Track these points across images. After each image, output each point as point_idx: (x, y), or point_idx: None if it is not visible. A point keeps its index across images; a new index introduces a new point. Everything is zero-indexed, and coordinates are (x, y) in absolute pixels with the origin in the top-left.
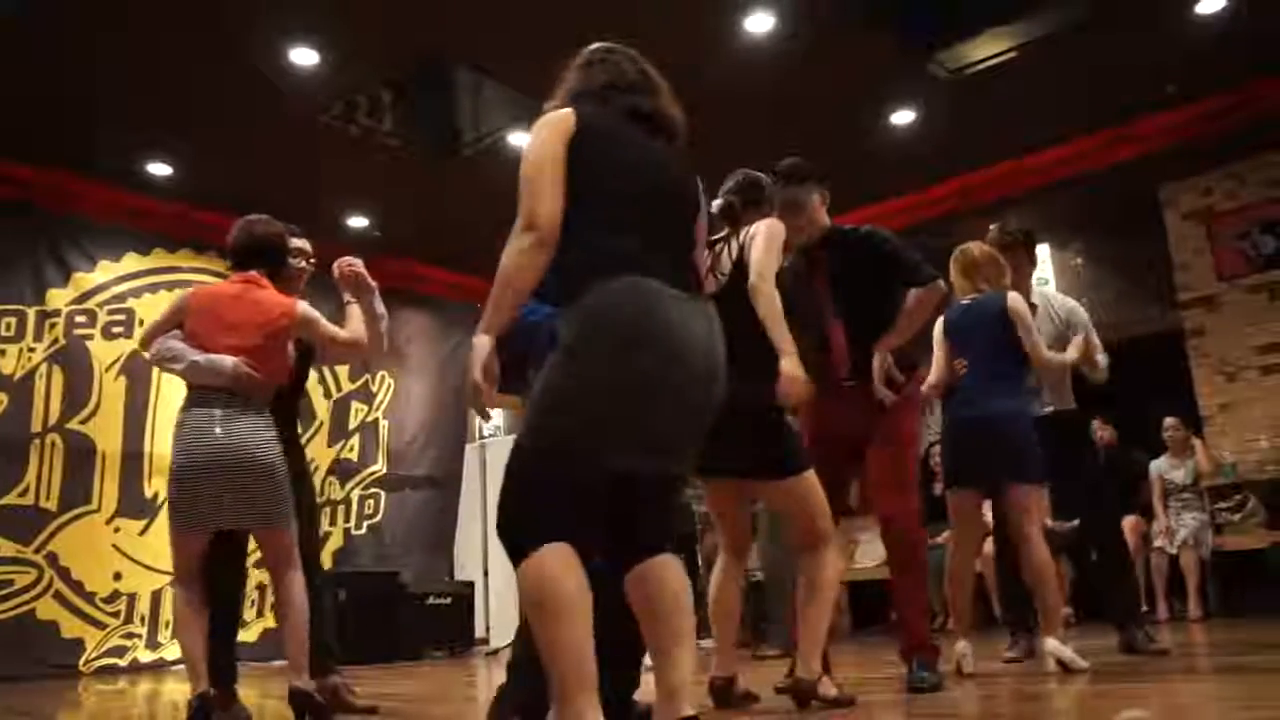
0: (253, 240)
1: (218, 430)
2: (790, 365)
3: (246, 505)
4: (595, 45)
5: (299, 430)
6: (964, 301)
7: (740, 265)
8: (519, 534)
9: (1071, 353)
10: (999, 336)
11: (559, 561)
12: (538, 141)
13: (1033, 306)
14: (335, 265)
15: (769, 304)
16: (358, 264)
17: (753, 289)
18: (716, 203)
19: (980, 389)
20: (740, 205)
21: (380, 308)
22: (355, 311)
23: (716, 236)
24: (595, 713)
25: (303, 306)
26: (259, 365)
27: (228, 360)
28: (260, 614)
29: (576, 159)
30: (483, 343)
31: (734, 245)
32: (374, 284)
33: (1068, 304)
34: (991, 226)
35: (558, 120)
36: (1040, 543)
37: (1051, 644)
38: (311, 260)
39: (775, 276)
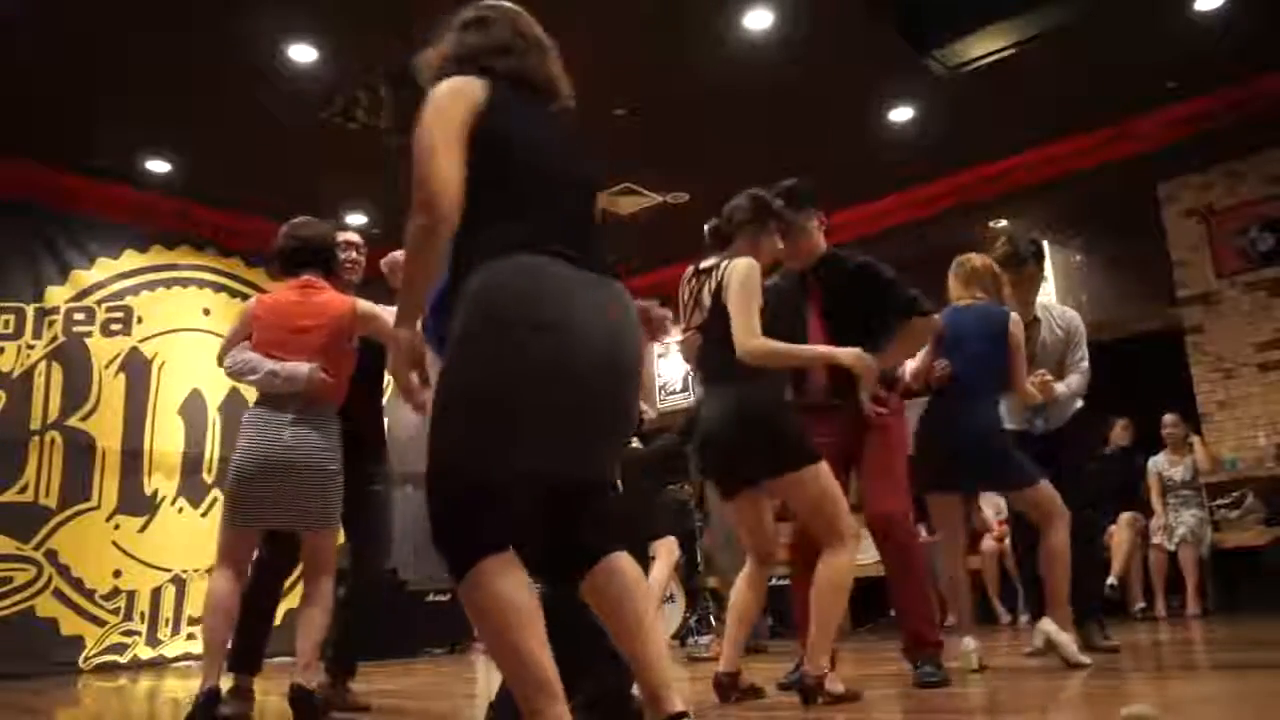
0: (302, 244)
1: (287, 434)
2: (844, 357)
3: (303, 508)
4: (472, 4)
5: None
6: (959, 304)
7: (717, 301)
8: (456, 548)
9: (1061, 387)
10: (992, 348)
11: (502, 571)
12: (441, 110)
13: (1036, 320)
14: (383, 263)
15: (772, 358)
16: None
17: (745, 356)
18: (708, 225)
19: (960, 400)
20: (728, 228)
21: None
22: None
23: (703, 266)
24: (562, 716)
25: (362, 304)
26: (331, 368)
27: (303, 368)
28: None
29: (479, 134)
30: (405, 336)
31: (714, 280)
32: None
33: (1067, 315)
34: (1000, 241)
35: (465, 88)
36: (1061, 532)
37: (1048, 624)
38: (362, 250)
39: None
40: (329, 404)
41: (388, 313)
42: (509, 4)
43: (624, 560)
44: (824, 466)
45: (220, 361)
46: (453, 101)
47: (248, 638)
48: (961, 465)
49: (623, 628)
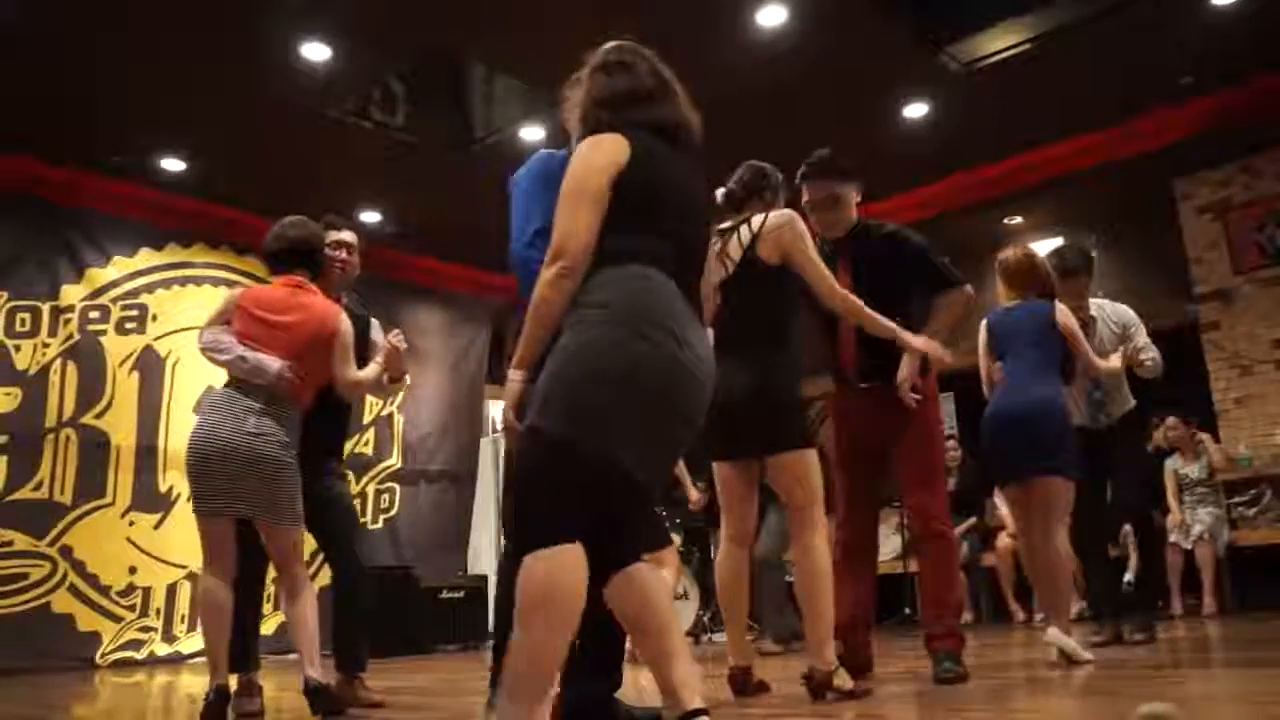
0: (286, 244)
1: (251, 421)
2: (913, 341)
3: (262, 497)
4: (611, 46)
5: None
6: (1006, 305)
7: (749, 253)
8: (534, 528)
9: (1115, 360)
10: (1042, 342)
11: (572, 562)
12: (588, 168)
13: (1091, 319)
14: (389, 337)
15: (854, 310)
16: (404, 347)
17: (828, 299)
18: (720, 191)
19: (1019, 384)
20: (743, 193)
21: (389, 390)
22: (373, 371)
23: (724, 225)
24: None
25: (345, 325)
26: (302, 370)
27: (274, 363)
28: (277, 607)
29: (619, 184)
30: (516, 379)
31: (743, 233)
32: (407, 377)
33: (1119, 309)
34: (1051, 250)
35: (612, 148)
36: (1063, 538)
37: (1054, 634)
38: (354, 251)
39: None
40: (292, 403)
41: (346, 355)
42: (643, 47)
43: (645, 566)
44: (814, 451)
45: (199, 339)
46: (602, 162)
47: (240, 637)
48: (1024, 450)
49: (643, 631)
